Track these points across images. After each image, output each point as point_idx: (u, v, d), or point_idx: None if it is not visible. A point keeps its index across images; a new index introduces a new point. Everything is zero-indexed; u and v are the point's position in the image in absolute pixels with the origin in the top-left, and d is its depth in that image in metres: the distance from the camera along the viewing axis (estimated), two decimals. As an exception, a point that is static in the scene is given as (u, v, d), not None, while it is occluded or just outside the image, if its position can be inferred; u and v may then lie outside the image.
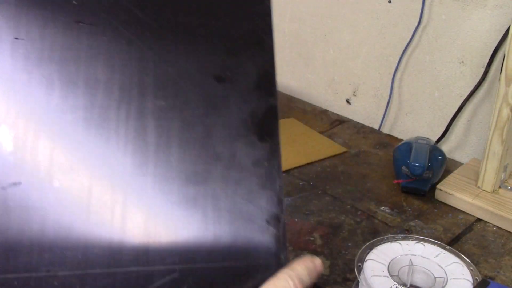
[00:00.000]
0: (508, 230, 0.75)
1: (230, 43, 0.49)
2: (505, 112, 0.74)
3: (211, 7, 0.49)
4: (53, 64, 0.46)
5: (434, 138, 0.93)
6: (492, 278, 0.66)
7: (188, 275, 0.44)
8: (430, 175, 0.82)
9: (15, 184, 0.44)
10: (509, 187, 0.80)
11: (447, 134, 0.94)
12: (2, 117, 0.44)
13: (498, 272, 0.68)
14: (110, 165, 0.45)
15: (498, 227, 0.76)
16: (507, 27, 0.81)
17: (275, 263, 0.45)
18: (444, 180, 0.83)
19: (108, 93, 0.46)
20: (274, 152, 0.47)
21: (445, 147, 0.96)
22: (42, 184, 0.44)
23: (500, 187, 0.81)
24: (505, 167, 0.80)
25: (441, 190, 0.81)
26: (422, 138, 0.87)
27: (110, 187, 0.45)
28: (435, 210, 0.80)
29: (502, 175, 0.80)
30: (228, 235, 0.45)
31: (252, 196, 0.46)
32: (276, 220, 0.46)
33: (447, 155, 0.88)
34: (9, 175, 0.44)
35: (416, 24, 0.94)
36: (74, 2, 0.47)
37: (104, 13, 0.47)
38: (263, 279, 0.44)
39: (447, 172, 0.86)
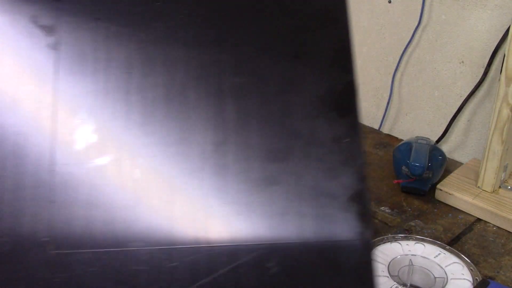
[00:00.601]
0: (508, 230, 0.75)
1: (304, 19, 0.48)
2: (505, 112, 0.74)
3: None
4: (132, 43, 0.46)
5: (434, 138, 0.93)
6: (492, 278, 0.66)
7: (272, 252, 0.43)
8: (430, 175, 0.82)
9: (100, 162, 0.44)
10: (509, 187, 0.80)
11: (447, 134, 0.94)
12: (84, 96, 0.45)
13: (498, 272, 0.68)
14: (190, 143, 0.45)
15: (498, 227, 0.76)
16: (507, 27, 0.81)
17: (359, 241, 0.44)
18: (444, 180, 0.83)
19: (187, 71, 0.46)
20: (354, 128, 0.46)
21: (445, 147, 0.96)
22: (127, 161, 0.44)
23: (500, 187, 0.81)
24: (505, 167, 0.80)
25: (441, 190, 0.81)
26: (422, 138, 0.87)
27: (190, 165, 0.44)
28: (435, 210, 0.80)
29: (502, 175, 0.80)
30: (312, 212, 0.44)
31: (334, 172, 0.45)
32: (360, 197, 0.44)
33: (447, 155, 0.88)
34: (93, 154, 0.44)
35: (416, 24, 0.94)
36: None
37: None
38: (348, 257, 0.43)
39: (447, 172, 0.86)
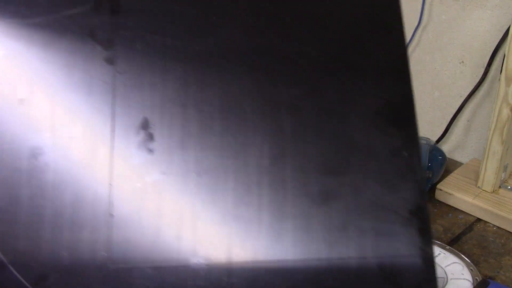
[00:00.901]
0: (508, 230, 0.75)
1: (359, 30, 0.47)
2: (505, 112, 0.74)
3: None
4: (187, 57, 0.46)
5: (434, 138, 0.93)
6: (492, 278, 0.66)
7: (331, 268, 0.42)
8: (430, 175, 0.82)
9: (157, 176, 0.44)
10: (509, 187, 0.80)
11: (447, 134, 0.94)
12: (141, 110, 0.45)
13: (498, 272, 0.68)
14: (247, 157, 0.44)
15: (498, 227, 0.76)
16: (507, 27, 0.81)
17: (420, 256, 0.43)
18: (444, 180, 0.83)
19: (242, 83, 0.45)
20: (412, 141, 0.45)
21: (445, 147, 0.96)
22: (184, 175, 0.44)
23: (500, 187, 0.81)
24: (505, 167, 0.80)
25: (441, 190, 0.81)
26: (422, 138, 0.87)
27: (248, 179, 0.44)
28: (435, 210, 0.80)
29: (502, 175, 0.80)
30: (371, 227, 0.43)
31: (393, 186, 0.44)
32: (420, 211, 0.43)
33: (447, 155, 0.88)
34: (150, 168, 0.44)
35: (416, 24, 0.94)
36: None
37: (231, 5, 0.47)
38: (410, 274, 0.42)
39: (447, 172, 0.86)
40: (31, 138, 0.44)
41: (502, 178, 0.81)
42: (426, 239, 0.44)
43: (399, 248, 0.43)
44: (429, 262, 0.44)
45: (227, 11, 0.47)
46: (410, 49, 0.97)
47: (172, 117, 0.45)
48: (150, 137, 0.44)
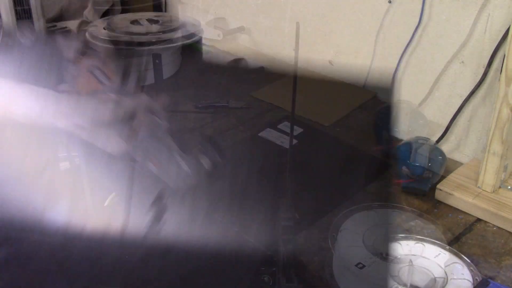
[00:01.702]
0: (508, 230, 0.75)
1: None
2: (505, 112, 0.74)
3: None
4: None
5: (434, 138, 0.93)
6: (492, 278, 0.66)
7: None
8: (430, 175, 0.82)
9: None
10: (509, 187, 0.80)
11: (447, 134, 0.94)
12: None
13: (498, 272, 0.68)
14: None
15: (498, 227, 0.76)
16: (507, 27, 0.81)
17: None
18: (444, 180, 0.83)
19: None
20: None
21: (445, 147, 0.96)
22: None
23: (500, 187, 0.81)
24: (505, 167, 0.80)
25: (441, 190, 0.81)
26: (422, 138, 0.87)
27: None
28: (435, 210, 0.80)
29: (502, 175, 0.80)
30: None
31: None
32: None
33: (447, 155, 0.88)
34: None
35: (416, 24, 0.94)
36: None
37: None
38: None
39: (447, 172, 0.86)
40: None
41: (502, 178, 0.81)
42: None
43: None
44: None
45: None
46: (410, 49, 0.97)
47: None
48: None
